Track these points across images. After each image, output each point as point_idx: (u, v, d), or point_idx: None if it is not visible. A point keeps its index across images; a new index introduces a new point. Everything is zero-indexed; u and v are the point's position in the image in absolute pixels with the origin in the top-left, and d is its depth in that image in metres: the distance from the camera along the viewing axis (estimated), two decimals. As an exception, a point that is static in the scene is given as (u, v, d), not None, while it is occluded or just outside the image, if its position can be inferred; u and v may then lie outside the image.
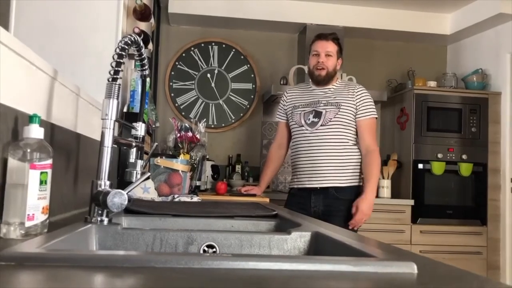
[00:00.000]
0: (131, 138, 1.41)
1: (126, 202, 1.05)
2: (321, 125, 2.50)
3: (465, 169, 3.84)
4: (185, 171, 2.22)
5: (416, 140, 3.88)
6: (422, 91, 3.94)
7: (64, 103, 1.30)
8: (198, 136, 2.59)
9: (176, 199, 1.97)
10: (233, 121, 4.27)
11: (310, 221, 1.42)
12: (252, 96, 4.29)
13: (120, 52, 1.15)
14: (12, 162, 0.88)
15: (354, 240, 0.98)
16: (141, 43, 1.28)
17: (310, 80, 2.64)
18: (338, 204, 2.46)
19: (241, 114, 4.27)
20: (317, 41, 2.58)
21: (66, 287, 0.58)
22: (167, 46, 4.24)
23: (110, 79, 1.13)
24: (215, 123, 4.23)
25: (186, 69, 4.24)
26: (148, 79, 2.09)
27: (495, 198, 3.87)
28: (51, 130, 1.17)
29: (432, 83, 4.04)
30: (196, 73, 4.25)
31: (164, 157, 2.22)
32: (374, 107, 2.56)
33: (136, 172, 1.40)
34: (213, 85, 4.26)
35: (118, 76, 1.13)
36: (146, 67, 1.39)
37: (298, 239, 1.09)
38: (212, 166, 3.76)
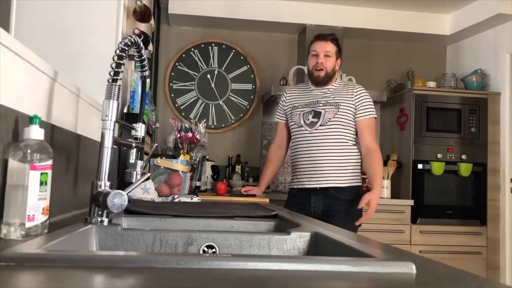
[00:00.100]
0: (131, 138, 1.41)
1: (126, 203, 1.05)
2: (320, 125, 2.50)
3: (465, 169, 3.84)
4: (185, 172, 2.22)
5: (415, 141, 3.88)
6: (421, 91, 3.94)
7: (64, 104, 1.31)
8: (198, 136, 2.59)
9: (176, 200, 1.97)
10: (233, 121, 4.27)
11: (310, 221, 1.42)
12: (252, 97, 4.29)
13: (120, 53, 1.15)
14: (13, 163, 0.89)
15: (353, 240, 0.99)
16: (141, 44, 1.28)
17: (309, 80, 2.65)
18: (338, 204, 2.46)
19: (241, 115, 4.28)
20: (316, 41, 2.59)
21: (66, 288, 0.58)
22: (167, 47, 4.24)
23: (110, 80, 1.13)
24: (215, 123, 4.24)
25: (186, 69, 4.24)
26: (148, 80, 2.09)
27: (494, 198, 3.87)
28: (51, 131, 1.17)
29: (432, 84, 4.04)
30: (196, 74, 4.25)
31: (164, 158, 2.23)
32: (373, 107, 2.56)
33: (136, 173, 1.40)
34: (213, 85, 4.26)
35: (118, 77, 1.14)
36: (146, 68, 1.39)
37: (298, 239, 1.09)
38: (212, 167, 3.76)
